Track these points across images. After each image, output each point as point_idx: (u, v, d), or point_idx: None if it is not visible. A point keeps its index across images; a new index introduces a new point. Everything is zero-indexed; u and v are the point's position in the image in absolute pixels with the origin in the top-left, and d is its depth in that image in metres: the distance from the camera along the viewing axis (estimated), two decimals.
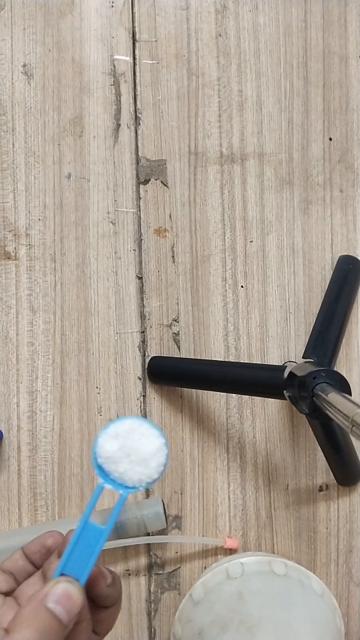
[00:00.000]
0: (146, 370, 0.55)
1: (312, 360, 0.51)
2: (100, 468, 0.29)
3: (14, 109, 0.56)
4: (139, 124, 0.57)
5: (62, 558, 0.29)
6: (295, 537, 0.56)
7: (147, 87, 0.57)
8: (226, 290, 0.57)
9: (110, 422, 0.29)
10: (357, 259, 0.58)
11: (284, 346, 0.57)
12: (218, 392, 0.56)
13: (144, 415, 0.55)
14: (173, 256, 0.57)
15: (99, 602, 0.30)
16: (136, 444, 0.29)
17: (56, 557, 0.31)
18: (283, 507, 0.56)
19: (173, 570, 0.55)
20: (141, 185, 0.57)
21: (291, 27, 0.59)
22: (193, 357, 0.56)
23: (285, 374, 0.46)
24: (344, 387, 0.43)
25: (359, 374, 0.58)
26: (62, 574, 0.28)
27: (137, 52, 0.57)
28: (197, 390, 0.56)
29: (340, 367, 0.57)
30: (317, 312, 0.56)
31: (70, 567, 0.28)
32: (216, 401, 0.56)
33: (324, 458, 0.54)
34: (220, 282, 0.57)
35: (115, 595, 0.31)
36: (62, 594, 0.27)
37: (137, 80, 0.57)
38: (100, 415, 0.55)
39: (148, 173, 0.57)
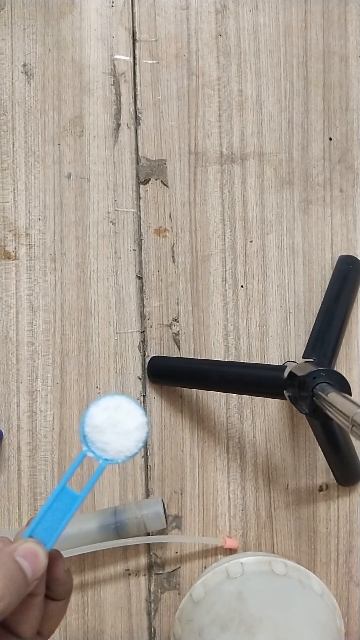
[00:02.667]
0: (146, 370, 0.55)
1: (312, 360, 0.51)
2: (85, 437, 0.32)
3: (14, 108, 0.55)
4: (139, 124, 0.57)
5: (34, 520, 0.30)
6: (295, 537, 0.56)
7: (147, 87, 0.57)
8: (226, 290, 0.57)
9: (103, 397, 0.32)
10: (357, 259, 0.58)
11: (284, 346, 0.57)
12: (218, 392, 0.56)
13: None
14: (173, 256, 0.57)
15: (53, 588, 0.31)
16: (122, 418, 0.32)
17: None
18: (283, 507, 0.56)
19: (173, 570, 0.55)
20: (141, 185, 0.57)
21: (291, 27, 0.59)
22: (193, 357, 0.56)
23: (285, 374, 0.46)
24: (344, 387, 0.43)
25: (359, 374, 0.58)
26: (30, 537, 0.30)
27: (137, 52, 0.57)
28: (197, 390, 0.56)
29: (340, 367, 0.57)
30: (317, 312, 0.56)
31: (38, 532, 0.30)
32: (216, 401, 0.56)
33: (324, 458, 0.54)
34: (220, 282, 0.57)
35: (68, 586, 0.32)
36: (29, 551, 0.28)
37: (137, 80, 0.57)
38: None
39: (148, 173, 0.57)
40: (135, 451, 0.32)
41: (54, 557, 0.31)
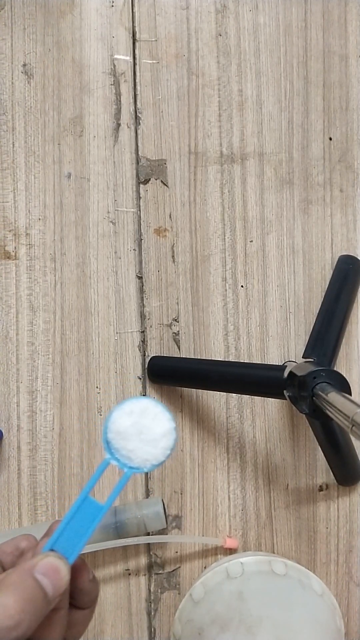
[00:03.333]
0: (146, 370, 0.55)
1: (312, 360, 0.51)
2: (108, 443, 0.30)
3: (14, 108, 0.55)
4: (139, 124, 0.57)
5: (55, 532, 0.28)
6: (295, 537, 0.56)
7: (147, 86, 0.57)
8: (226, 290, 0.57)
9: (127, 400, 0.30)
10: (357, 259, 0.58)
11: (284, 346, 0.57)
12: (218, 392, 0.56)
13: None
14: (173, 256, 0.57)
15: (77, 598, 0.29)
16: (148, 423, 0.29)
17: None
18: (283, 507, 0.56)
19: (173, 570, 0.55)
20: (141, 185, 0.57)
21: (291, 26, 0.59)
22: (193, 357, 0.56)
23: (285, 374, 0.46)
24: (344, 386, 0.43)
25: (359, 374, 0.58)
26: (51, 550, 0.28)
27: (137, 51, 0.57)
28: (197, 390, 0.56)
29: (340, 367, 0.57)
30: (317, 312, 0.56)
31: (60, 544, 0.28)
32: (216, 401, 0.56)
33: (324, 458, 0.54)
34: (220, 282, 0.57)
35: (93, 595, 0.30)
36: (50, 567, 0.27)
37: (137, 80, 0.57)
38: (100, 415, 0.55)
39: (148, 173, 0.57)
40: (163, 459, 0.30)
41: (77, 567, 0.29)
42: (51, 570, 0.27)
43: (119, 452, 0.30)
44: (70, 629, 0.29)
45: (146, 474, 0.55)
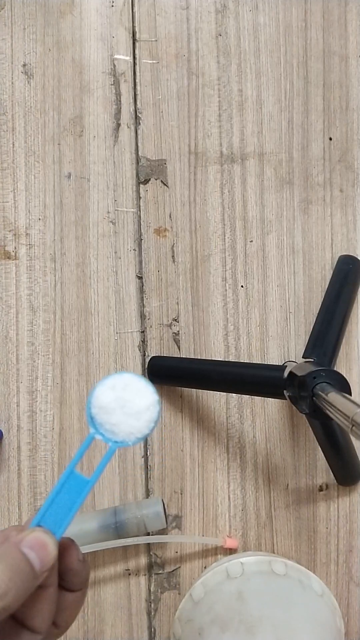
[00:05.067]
0: (146, 370, 0.55)
1: (312, 360, 0.51)
2: (92, 418, 0.30)
3: (14, 108, 0.55)
4: (139, 124, 0.57)
5: (41, 508, 0.28)
6: (295, 537, 0.56)
7: (147, 86, 0.57)
8: (226, 290, 0.57)
9: (109, 375, 0.30)
10: (357, 259, 0.58)
11: (284, 346, 0.57)
12: (218, 392, 0.56)
13: None
14: (173, 256, 0.57)
15: (68, 579, 0.29)
16: (131, 397, 0.30)
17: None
18: (283, 507, 0.56)
19: (173, 570, 0.55)
20: (141, 185, 0.57)
21: (291, 26, 0.59)
22: (193, 357, 0.56)
23: (285, 374, 0.46)
24: (344, 387, 0.43)
25: (359, 374, 0.58)
26: (38, 525, 0.28)
27: (137, 51, 0.57)
28: (197, 390, 0.56)
29: (340, 367, 0.57)
30: (317, 312, 0.56)
31: (47, 520, 0.28)
32: (216, 401, 0.56)
33: (324, 458, 0.54)
34: (220, 282, 0.57)
35: (84, 576, 0.30)
36: (37, 541, 0.27)
37: (137, 80, 0.57)
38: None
39: (148, 173, 0.57)
40: (147, 432, 0.30)
41: (66, 546, 0.29)
42: (38, 545, 0.27)
43: (103, 427, 0.30)
44: (61, 612, 0.29)
45: (146, 474, 0.55)
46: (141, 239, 0.56)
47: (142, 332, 0.56)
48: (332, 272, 0.58)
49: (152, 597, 0.55)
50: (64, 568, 0.29)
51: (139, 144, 0.57)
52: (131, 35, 0.57)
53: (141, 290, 0.56)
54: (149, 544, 0.55)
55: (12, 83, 0.56)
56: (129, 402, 0.30)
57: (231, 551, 0.55)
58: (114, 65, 0.56)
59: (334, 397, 0.39)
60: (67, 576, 0.29)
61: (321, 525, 0.57)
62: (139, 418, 0.30)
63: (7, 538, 0.29)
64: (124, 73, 0.57)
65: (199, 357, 0.56)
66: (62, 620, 0.29)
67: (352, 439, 0.49)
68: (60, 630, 0.29)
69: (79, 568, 0.29)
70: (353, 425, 0.34)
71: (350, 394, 0.42)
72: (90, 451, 0.54)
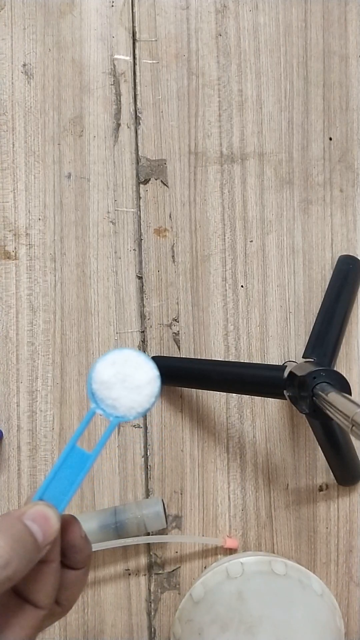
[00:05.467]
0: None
1: (312, 360, 0.51)
2: (93, 394, 0.30)
3: (14, 108, 0.55)
4: (139, 124, 0.57)
5: (44, 483, 0.28)
6: (295, 537, 0.56)
7: (147, 86, 0.57)
8: (226, 290, 0.57)
9: (109, 351, 0.30)
10: (357, 259, 0.58)
11: (284, 346, 0.57)
12: (218, 392, 0.56)
13: (144, 416, 0.55)
14: (173, 256, 0.57)
15: (70, 555, 0.29)
16: (131, 372, 0.30)
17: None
18: (283, 507, 0.56)
19: (173, 570, 0.55)
20: (141, 185, 0.57)
21: (291, 26, 0.59)
22: (193, 357, 0.56)
23: (285, 374, 0.46)
24: (344, 386, 0.43)
25: (359, 374, 0.58)
26: (40, 499, 0.28)
27: (137, 51, 0.57)
28: (197, 390, 0.56)
29: (340, 367, 0.57)
30: (317, 312, 0.56)
31: (50, 494, 0.28)
32: (216, 401, 0.56)
33: (324, 458, 0.54)
34: (220, 282, 0.57)
35: (86, 553, 0.30)
36: (39, 514, 0.27)
37: (137, 80, 0.57)
38: (100, 415, 0.55)
39: (148, 173, 0.57)
40: (148, 406, 0.30)
41: (68, 522, 0.29)
42: (40, 517, 0.27)
43: (104, 402, 0.30)
44: (64, 590, 0.29)
45: (146, 474, 0.55)
46: (141, 239, 0.56)
47: (142, 332, 0.56)
48: (332, 272, 0.58)
49: (152, 597, 0.55)
50: (66, 544, 0.29)
51: (139, 144, 0.57)
52: (131, 35, 0.57)
53: (141, 290, 0.56)
54: (149, 544, 0.55)
55: (12, 83, 0.56)
56: (129, 377, 0.30)
57: (231, 551, 0.55)
58: (114, 65, 0.56)
59: (334, 397, 0.39)
60: (69, 553, 0.29)
61: (321, 525, 0.57)
62: (140, 392, 0.30)
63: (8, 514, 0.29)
64: (124, 73, 0.57)
65: (199, 357, 0.56)
66: (64, 598, 0.29)
67: (352, 439, 0.49)
68: (63, 609, 0.30)
69: (81, 544, 0.29)
70: (353, 425, 0.34)
71: (350, 394, 0.42)
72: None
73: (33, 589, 0.27)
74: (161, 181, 0.57)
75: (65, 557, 0.29)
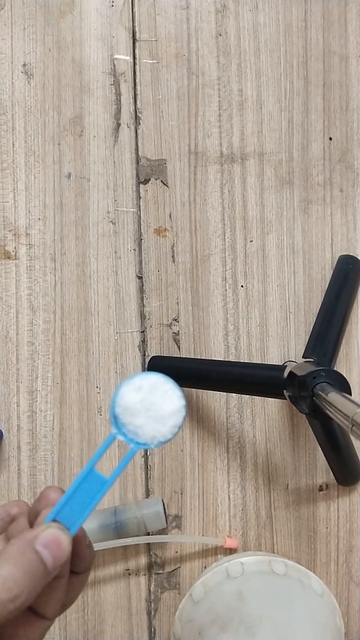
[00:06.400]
0: (146, 370, 0.55)
1: (312, 360, 0.51)
2: (115, 418, 0.29)
3: (14, 108, 0.55)
4: (139, 124, 0.57)
5: (58, 503, 0.28)
6: (295, 537, 0.56)
7: (147, 86, 0.57)
8: (226, 290, 0.57)
9: (135, 375, 0.29)
10: (357, 259, 0.58)
11: (284, 346, 0.57)
12: (218, 392, 0.56)
13: None
14: (173, 256, 0.57)
15: (74, 563, 0.29)
16: (157, 400, 0.29)
17: (50, 507, 0.30)
18: (283, 507, 0.56)
19: (173, 570, 0.55)
20: (141, 185, 0.57)
21: (291, 26, 0.59)
22: (193, 357, 0.56)
23: (285, 374, 0.46)
24: (344, 386, 0.43)
25: (359, 374, 0.58)
26: (54, 520, 0.28)
27: (137, 51, 0.57)
28: (197, 390, 0.56)
29: (340, 367, 0.57)
30: (317, 312, 0.56)
31: (63, 515, 0.28)
32: (216, 401, 0.56)
33: (324, 458, 0.54)
34: (220, 282, 0.57)
35: (89, 560, 0.30)
36: (52, 539, 0.27)
37: (137, 80, 0.57)
38: (100, 415, 0.55)
39: (148, 173, 0.57)
40: (170, 437, 0.29)
41: (76, 535, 0.29)
42: (53, 542, 0.27)
43: (126, 427, 0.29)
44: (67, 593, 0.29)
45: (146, 474, 0.55)
46: (141, 239, 0.56)
47: (142, 332, 0.56)
48: (332, 272, 0.58)
49: (152, 597, 0.55)
50: (72, 555, 0.29)
51: (139, 144, 0.57)
52: (131, 35, 0.57)
53: (141, 290, 0.56)
54: (149, 544, 0.55)
55: (12, 83, 0.56)
56: (155, 406, 0.29)
57: (231, 551, 0.55)
58: (114, 65, 0.56)
59: (334, 397, 0.39)
60: (74, 562, 0.29)
61: (321, 525, 0.57)
62: (164, 423, 0.29)
63: (8, 514, 0.29)
64: (124, 73, 0.57)
65: (199, 357, 0.56)
66: (67, 600, 0.30)
67: (352, 439, 0.49)
68: (63, 609, 0.30)
69: (87, 554, 0.30)
70: (353, 425, 0.34)
71: (350, 394, 0.42)
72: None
73: (41, 602, 0.27)
74: (161, 181, 0.57)
75: (70, 565, 0.29)
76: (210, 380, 0.54)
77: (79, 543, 0.29)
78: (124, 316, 0.56)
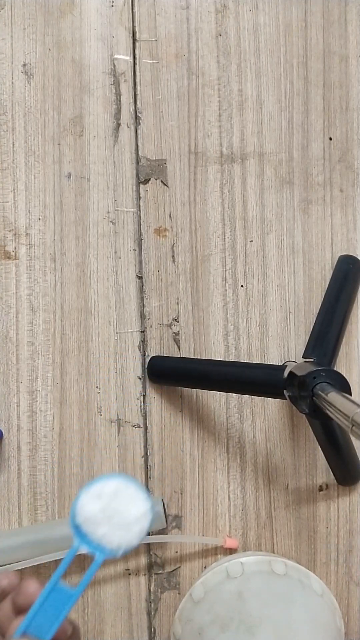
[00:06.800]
0: (146, 370, 0.55)
1: (312, 360, 0.51)
2: (77, 528, 0.28)
3: (14, 108, 0.55)
4: (139, 124, 0.57)
5: (26, 617, 0.27)
6: (295, 537, 0.56)
7: (147, 86, 0.57)
8: (226, 290, 0.57)
9: (95, 480, 0.28)
10: (357, 259, 0.58)
11: (284, 346, 0.57)
12: (218, 392, 0.56)
13: (144, 416, 0.55)
14: (173, 256, 0.57)
15: None
16: (120, 507, 0.28)
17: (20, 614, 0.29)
18: (283, 507, 0.56)
19: (173, 570, 0.55)
20: (141, 185, 0.57)
21: (291, 26, 0.59)
22: (193, 357, 0.56)
23: (285, 374, 0.46)
24: (344, 386, 0.43)
25: (359, 374, 0.58)
26: (24, 633, 0.27)
27: (137, 51, 0.57)
28: (197, 390, 0.56)
29: (340, 367, 0.57)
30: (317, 312, 0.56)
31: (34, 627, 0.27)
32: (216, 401, 0.56)
33: (324, 458, 0.54)
34: (220, 282, 0.57)
35: (70, 634, 0.29)
36: None
37: (137, 80, 0.57)
38: (100, 415, 0.55)
39: (148, 173, 0.57)
40: (136, 543, 0.28)
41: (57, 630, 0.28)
42: None
43: (90, 536, 0.28)
44: None
45: (146, 474, 0.55)
46: (141, 239, 0.56)
47: (142, 332, 0.56)
48: (332, 272, 0.58)
49: (152, 597, 0.55)
50: None
51: (139, 144, 0.57)
52: (131, 35, 0.57)
53: (141, 290, 0.56)
54: (149, 543, 0.55)
55: (12, 83, 0.56)
56: (118, 513, 0.28)
57: (231, 551, 0.55)
58: (114, 65, 0.56)
59: (334, 397, 0.39)
60: None
61: (321, 525, 0.57)
62: (130, 529, 0.28)
63: (3, 593, 0.29)
64: (124, 73, 0.57)
65: (199, 357, 0.56)
66: None
67: (352, 439, 0.49)
68: None
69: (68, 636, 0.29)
70: (353, 425, 0.34)
71: (350, 394, 0.42)
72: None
73: None
74: (161, 181, 0.57)
75: None
76: (210, 380, 0.54)
77: (63, 632, 0.28)
78: (124, 316, 0.56)
